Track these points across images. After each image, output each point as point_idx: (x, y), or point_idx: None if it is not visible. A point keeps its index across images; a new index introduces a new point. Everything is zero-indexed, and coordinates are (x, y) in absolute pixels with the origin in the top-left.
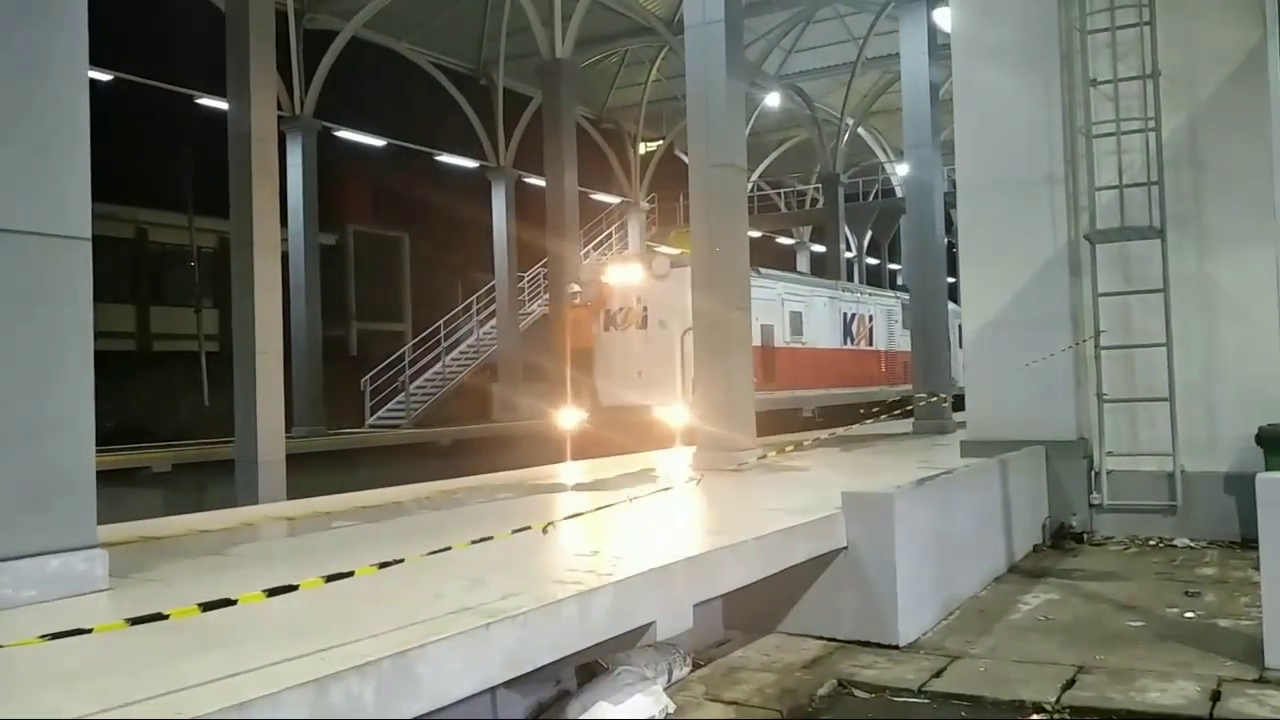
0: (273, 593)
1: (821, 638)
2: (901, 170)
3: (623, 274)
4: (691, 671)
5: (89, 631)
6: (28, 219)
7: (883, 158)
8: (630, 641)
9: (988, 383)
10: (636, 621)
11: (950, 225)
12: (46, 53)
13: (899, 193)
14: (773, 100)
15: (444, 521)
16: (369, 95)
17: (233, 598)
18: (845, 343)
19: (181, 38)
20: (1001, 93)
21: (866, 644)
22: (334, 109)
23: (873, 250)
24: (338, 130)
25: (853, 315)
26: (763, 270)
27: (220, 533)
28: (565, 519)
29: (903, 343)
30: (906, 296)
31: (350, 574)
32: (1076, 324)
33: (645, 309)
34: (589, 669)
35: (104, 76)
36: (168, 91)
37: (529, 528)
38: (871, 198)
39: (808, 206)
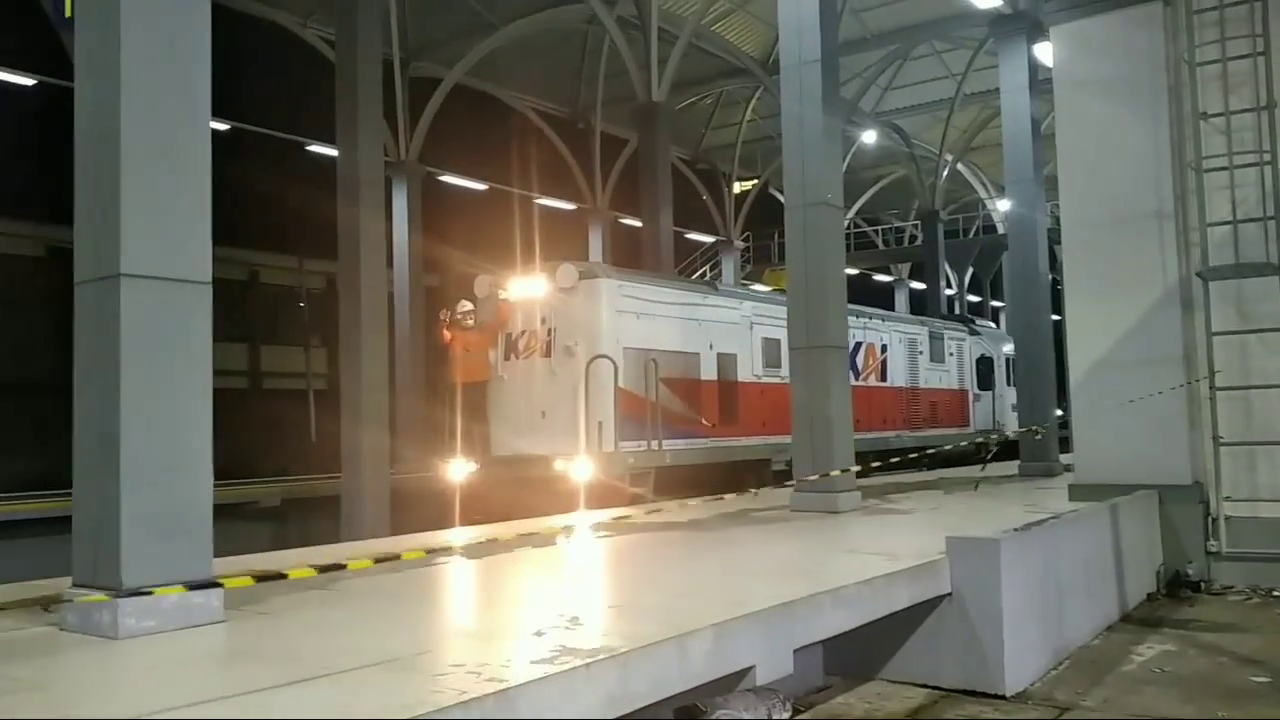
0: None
1: (925, 685)
2: (1003, 206)
3: (525, 288)
4: (791, 717)
5: None
6: (156, 265)
7: (983, 193)
8: (730, 685)
9: (1096, 424)
10: (736, 664)
11: (1055, 261)
12: (177, 116)
13: (1001, 228)
14: (869, 137)
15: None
16: (471, 140)
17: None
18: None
19: (293, 88)
20: (1106, 127)
21: (972, 693)
22: (437, 154)
23: (974, 287)
24: (441, 175)
25: (856, 345)
26: (721, 285)
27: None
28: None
29: (934, 378)
30: (939, 323)
31: None
32: (1189, 364)
33: (551, 331)
34: (688, 711)
35: (221, 126)
36: (279, 139)
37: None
38: (972, 234)
39: (906, 243)
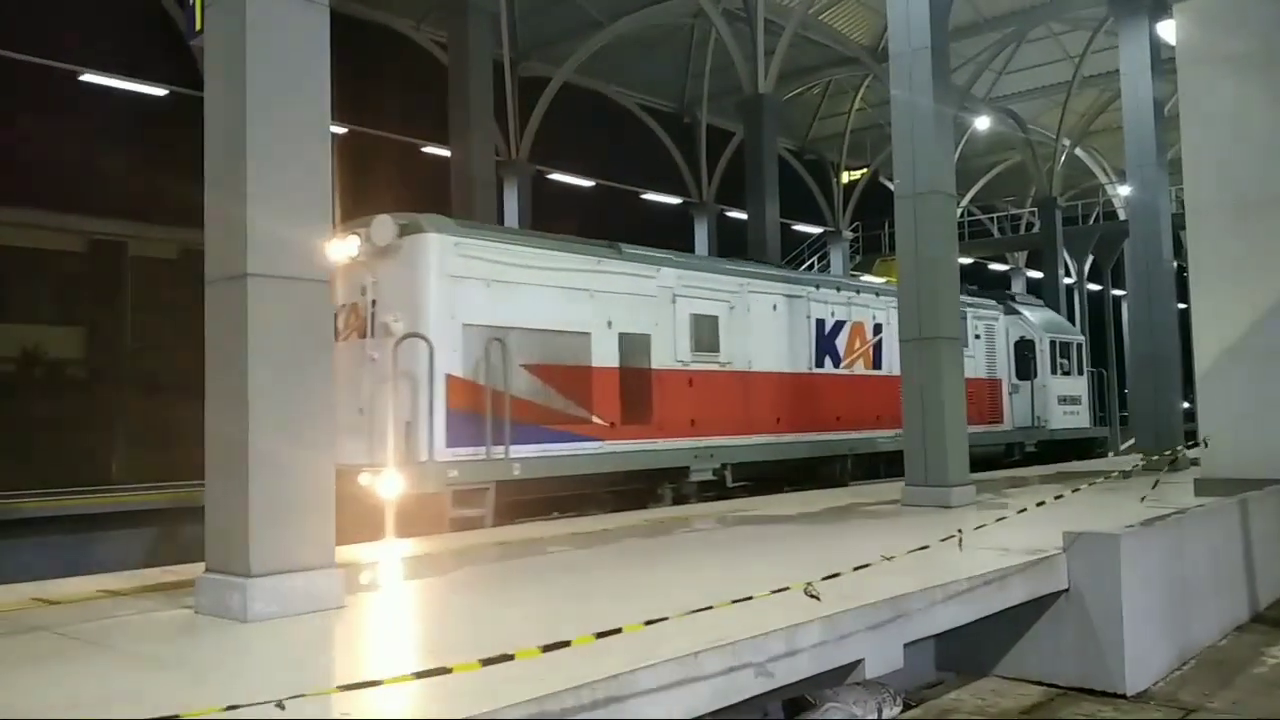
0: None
1: (1041, 683)
2: (1124, 191)
3: (344, 249)
4: (902, 712)
5: None
6: (280, 265)
7: (1103, 179)
8: (839, 678)
9: (1225, 417)
10: (845, 658)
11: (1179, 248)
12: (298, 122)
13: (1122, 215)
14: (983, 124)
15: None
16: (578, 138)
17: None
18: (819, 365)
19: (407, 90)
20: (1235, 107)
21: (1090, 692)
22: (546, 152)
23: (1094, 275)
24: (550, 173)
25: (837, 324)
26: (626, 248)
27: (440, 556)
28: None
29: None
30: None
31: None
32: None
33: (373, 304)
34: (796, 704)
35: (339, 130)
36: (392, 140)
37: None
38: (1092, 221)
39: (1022, 231)
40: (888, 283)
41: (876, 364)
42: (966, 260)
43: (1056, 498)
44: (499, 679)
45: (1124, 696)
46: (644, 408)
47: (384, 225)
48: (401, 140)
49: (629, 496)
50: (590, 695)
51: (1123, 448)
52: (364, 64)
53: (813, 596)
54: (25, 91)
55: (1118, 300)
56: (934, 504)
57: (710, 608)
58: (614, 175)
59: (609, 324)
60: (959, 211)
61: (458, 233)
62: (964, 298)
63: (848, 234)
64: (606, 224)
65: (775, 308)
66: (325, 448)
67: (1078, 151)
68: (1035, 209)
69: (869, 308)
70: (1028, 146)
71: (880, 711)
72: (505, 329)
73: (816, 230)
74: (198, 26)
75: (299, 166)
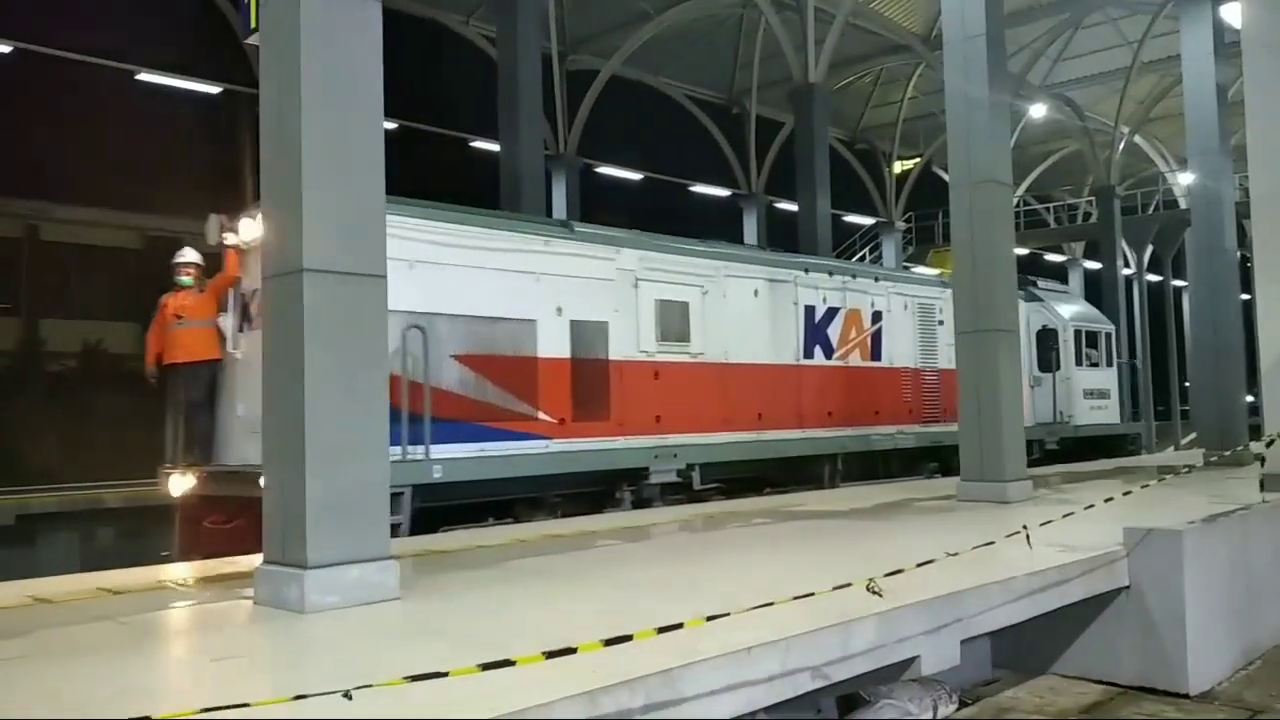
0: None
1: (1100, 681)
2: (1185, 180)
3: (258, 228)
4: (958, 710)
5: None
6: (335, 260)
7: (1163, 167)
8: (894, 674)
9: None
10: (901, 654)
11: (1243, 237)
12: (353, 119)
13: (1183, 203)
14: (1038, 111)
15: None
16: (626, 130)
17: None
18: (808, 356)
19: (455, 85)
20: None
21: (1152, 690)
22: (594, 145)
23: (1154, 266)
24: (597, 166)
25: (830, 312)
26: (579, 227)
27: (496, 549)
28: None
29: None
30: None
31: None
32: None
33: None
34: (850, 700)
35: (390, 125)
36: (441, 135)
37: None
38: (1151, 210)
39: (1079, 221)
40: (943, 267)
41: (875, 355)
42: (1022, 251)
43: (1125, 494)
44: (558, 673)
45: (1187, 696)
46: (600, 403)
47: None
48: (450, 135)
49: (582, 500)
50: (644, 689)
51: (1184, 442)
52: (412, 59)
53: (875, 593)
54: (82, 91)
55: (1178, 291)
56: (990, 499)
57: (771, 603)
58: (662, 167)
59: (559, 310)
60: (1014, 200)
61: None
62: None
63: (900, 225)
64: (654, 216)
65: (757, 293)
66: (379, 441)
67: (1137, 139)
68: (1093, 198)
69: (867, 294)
70: (1085, 134)
71: (935, 709)
72: (430, 316)
73: (868, 221)
74: (253, 25)
75: (354, 163)
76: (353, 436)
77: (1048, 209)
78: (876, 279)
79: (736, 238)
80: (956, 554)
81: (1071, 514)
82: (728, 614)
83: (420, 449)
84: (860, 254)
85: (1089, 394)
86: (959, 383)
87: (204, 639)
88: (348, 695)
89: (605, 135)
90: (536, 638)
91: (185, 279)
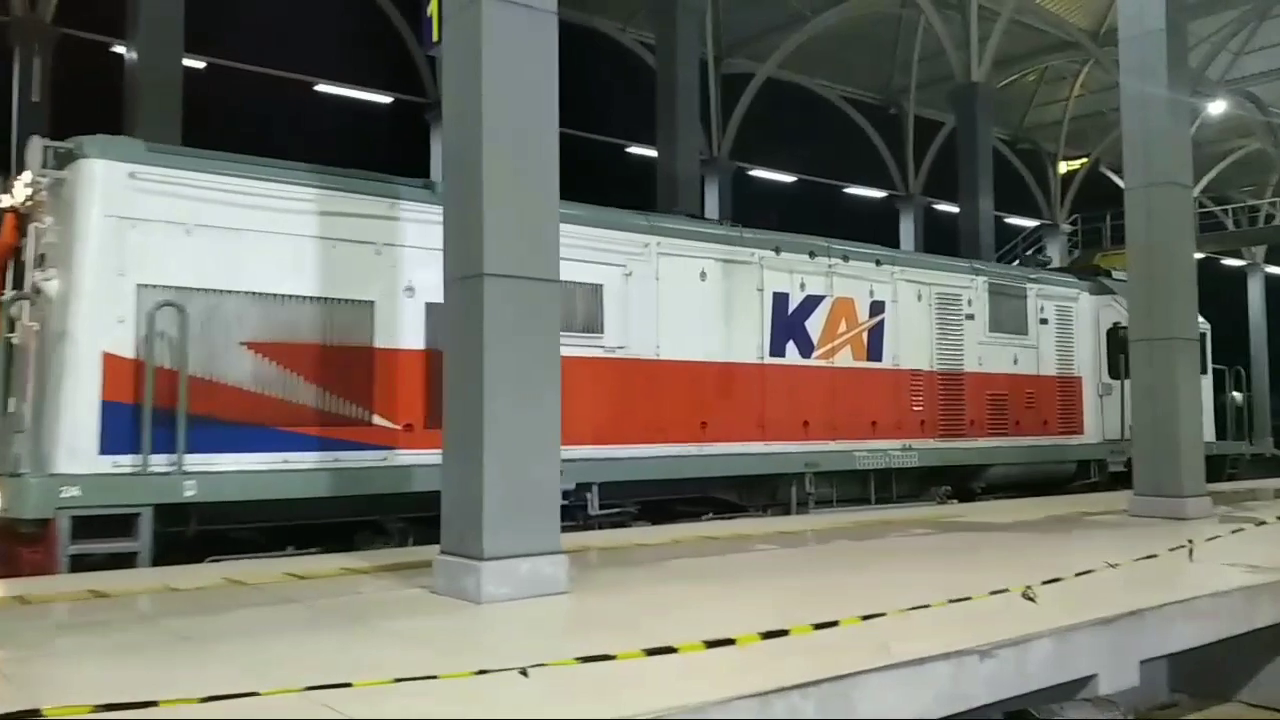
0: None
1: None
2: None
3: (18, 190)
4: None
5: None
6: (513, 265)
7: None
8: (1069, 693)
9: None
10: (1077, 672)
11: None
12: (530, 128)
13: None
14: (1217, 108)
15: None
16: (779, 133)
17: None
18: (776, 353)
19: (613, 91)
20: None
21: None
22: (747, 148)
23: None
24: (751, 169)
25: (809, 300)
26: (442, 187)
27: (655, 547)
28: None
29: (1002, 357)
30: (1016, 272)
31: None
32: None
33: (41, 259)
34: (1020, 717)
35: None
36: (597, 141)
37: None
38: None
39: (1261, 224)
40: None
41: (874, 354)
42: (1198, 255)
43: None
44: (725, 668)
45: None
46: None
47: (36, 151)
48: (604, 140)
49: (435, 525)
50: (817, 694)
51: None
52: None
53: (1029, 599)
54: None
55: None
56: (1165, 515)
57: (965, 597)
58: (815, 170)
59: (409, 290)
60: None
61: (138, 158)
62: (1020, 271)
63: (1065, 227)
64: (807, 219)
65: (704, 275)
66: (553, 438)
67: None
68: (1276, 199)
69: (863, 280)
70: (1269, 131)
71: None
72: (214, 292)
73: (1032, 224)
74: (435, 38)
75: (530, 171)
76: (529, 434)
77: (1225, 211)
78: (878, 262)
79: (893, 240)
80: (1118, 565)
81: (1263, 525)
82: (923, 605)
83: (168, 458)
84: (1018, 259)
85: None
86: (1131, 393)
87: (392, 625)
88: (524, 672)
89: (759, 138)
90: (698, 631)
91: None
